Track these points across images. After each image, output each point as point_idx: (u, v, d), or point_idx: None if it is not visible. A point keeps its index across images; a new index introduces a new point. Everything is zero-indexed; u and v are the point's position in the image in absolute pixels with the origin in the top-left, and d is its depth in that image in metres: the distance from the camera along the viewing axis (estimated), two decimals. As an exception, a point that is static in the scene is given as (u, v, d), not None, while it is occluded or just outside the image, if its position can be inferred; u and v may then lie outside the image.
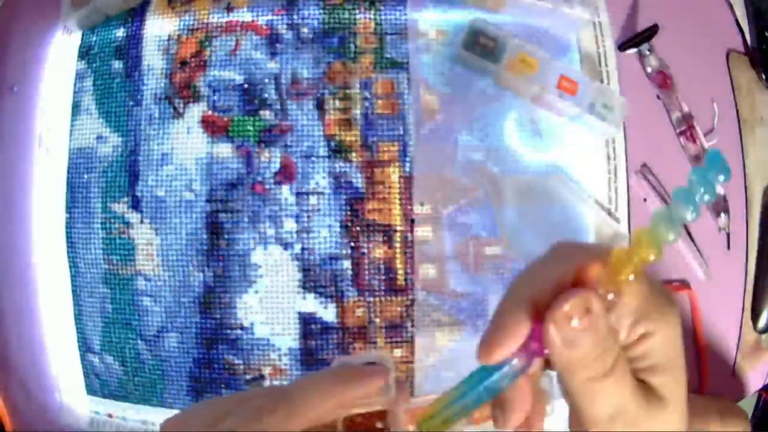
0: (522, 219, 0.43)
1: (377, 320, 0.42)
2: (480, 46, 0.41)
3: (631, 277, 0.19)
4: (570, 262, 0.20)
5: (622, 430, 0.22)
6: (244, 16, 0.44)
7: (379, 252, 0.42)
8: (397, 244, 0.42)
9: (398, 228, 0.42)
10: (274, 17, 0.44)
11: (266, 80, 0.43)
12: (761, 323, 0.45)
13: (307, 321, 0.42)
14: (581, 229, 0.43)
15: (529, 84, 0.41)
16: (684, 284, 0.44)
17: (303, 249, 0.42)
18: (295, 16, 0.44)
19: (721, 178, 0.19)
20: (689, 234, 0.44)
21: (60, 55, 0.46)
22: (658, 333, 0.21)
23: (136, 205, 0.43)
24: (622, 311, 0.21)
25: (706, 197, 0.19)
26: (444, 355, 0.42)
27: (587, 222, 0.43)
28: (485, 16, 0.44)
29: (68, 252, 0.44)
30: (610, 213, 0.44)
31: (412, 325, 0.42)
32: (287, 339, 0.42)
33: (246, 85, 0.43)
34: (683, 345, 0.21)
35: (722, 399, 0.38)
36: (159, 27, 0.44)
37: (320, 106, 0.43)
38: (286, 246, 0.42)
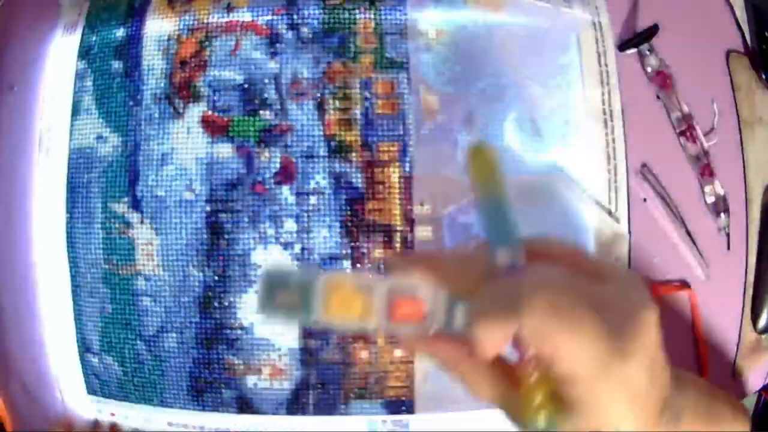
0: (522, 219, 0.42)
1: (377, 320, 0.42)
2: (282, 305, 0.25)
3: None
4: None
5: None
6: (244, 16, 0.44)
7: (379, 252, 0.42)
8: (397, 244, 0.42)
9: (398, 228, 0.42)
10: (274, 17, 0.44)
11: (266, 80, 0.43)
12: (761, 323, 0.45)
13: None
14: (581, 229, 0.43)
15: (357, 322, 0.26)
16: (684, 284, 0.44)
17: (303, 249, 0.42)
18: (295, 16, 0.44)
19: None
20: (689, 234, 0.44)
21: (60, 55, 0.46)
22: (556, 350, 0.23)
23: (136, 205, 0.43)
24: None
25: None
26: (444, 355, 0.42)
27: (587, 222, 0.43)
28: (484, 16, 0.44)
29: (68, 252, 0.44)
30: (610, 213, 0.44)
31: (412, 325, 0.42)
32: (287, 339, 0.42)
33: (246, 85, 0.43)
34: (606, 362, 0.23)
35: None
36: (159, 27, 0.44)
37: (320, 106, 0.43)
38: (286, 246, 0.42)
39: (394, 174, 0.42)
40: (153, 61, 0.44)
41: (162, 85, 0.44)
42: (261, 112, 0.43)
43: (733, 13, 0.47)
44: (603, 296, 0.25)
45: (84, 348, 0.44)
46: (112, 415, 0.44)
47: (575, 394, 0.24)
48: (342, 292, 0.26)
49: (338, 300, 0.26)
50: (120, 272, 0.43)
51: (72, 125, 0.45)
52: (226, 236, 0.42)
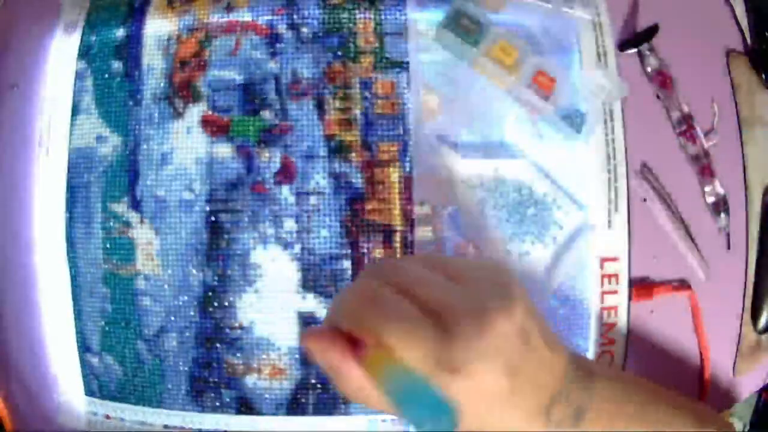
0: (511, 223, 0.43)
1: (377, 320, 0.42)
2: (461, 28, 0.41)
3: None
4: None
5: None
6: (244, 16, 0.44)
7: (379, 252, 0.42)
8: (397, 244, 0.42)
9: (398, 228, 0.42)
10: (274, 17, 0.44)
11: (266, 80, 0.43)
12: (761, 323, 0.45)
13: (306, 321, 0.42)
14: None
15: (505, 73, 0.41)
16: (684, 284, 0.44)
17: (303, 249, 0.42)
18: (295, 16, 0.44)
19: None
20: (689, 234, 0.44)
21: (60, 55, 0.46)
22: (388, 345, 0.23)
23: (136, 205, 0.43)
24: None
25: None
26: (444, 355, 0.42)
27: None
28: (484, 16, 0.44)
29: (68, 252, 0.44)
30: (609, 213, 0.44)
31: (412, 325, 0.42)
32: (287, 339, 0.42)
33: (246, 85, 0.43)
34: None
35: (703, 407, 0.38)
36: (159, 27, 0.44)
37: (320, 106, 0.43)
38: (286, 246, 0.42)
39: (394, 174, 0.42)
40: (153, 61, 0.44)
41: (162, 85, 0.44)
42: (261, 112, 0.43)
43: (733, 13, 0.47)
44: (451, 298, 0.24)
45: (84, 348, 0.44)
46: (107, 417, 0.44)
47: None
48: (508, 45, 0.39)
49: (502, 46, 0.40)
50: (120, 272, 0.43)
51: (72, 125, 0.45)
52: (226, 236, 0.42)
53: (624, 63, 0.45)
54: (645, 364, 0.44)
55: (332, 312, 0.26)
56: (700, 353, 0.44)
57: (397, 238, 0.42)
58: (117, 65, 0.45)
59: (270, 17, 0.44)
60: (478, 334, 0.23)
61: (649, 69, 0.45)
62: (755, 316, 0.45)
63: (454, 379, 0.23)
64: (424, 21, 0.44)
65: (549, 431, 0.26)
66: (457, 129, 0.43)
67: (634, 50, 0.45)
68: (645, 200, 0.44)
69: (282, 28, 0.44)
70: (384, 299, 0.24)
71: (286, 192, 0.42)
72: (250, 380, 0.42)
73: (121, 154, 0.44)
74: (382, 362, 0.22)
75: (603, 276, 0.43)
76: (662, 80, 0.44)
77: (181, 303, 0.42)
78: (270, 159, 0.42)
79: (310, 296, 0.42)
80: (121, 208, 0.43)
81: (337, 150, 0.42)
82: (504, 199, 0.42)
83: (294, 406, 0.42)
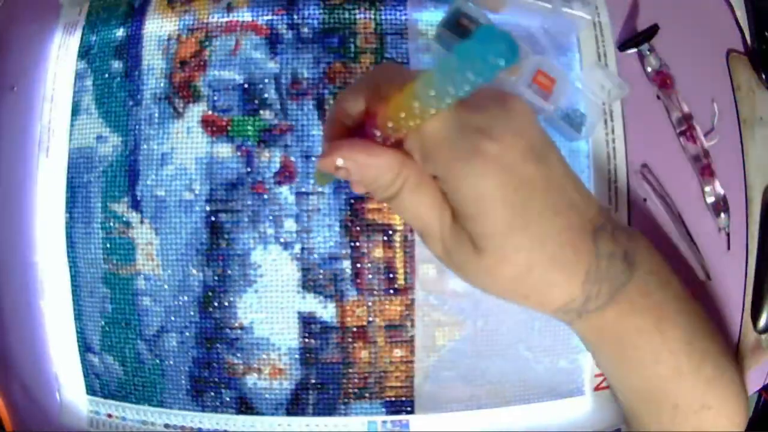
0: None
1: (377, 320, 0.42)
2: (461, 28, 0.41)
3: (412, 123, 0.20)
4: (371, 91, 0.22)
5: (445, 260, 0.24)
6: (244, 16, 0.44)
7: (379, 252, 0.42)
8: (397, 244, 0.42)
9: (398, 228, 0.42)
10: (274, 17, 0.44)
11: (266, 80, 0.43)
12: (761, 323, 0.45)
13: (306, 321, 0.42)
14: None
15: (504, 73, 0.40)
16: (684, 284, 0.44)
17: (303, 249, 0.42)
18: (295, 16, 0.44)
19: (501, 62, 0.16)
20: (689, 234, 0.44)
21: (60, 55, 0.46)
22: (449, 181, 0.21)
23: (136, 205, 0.43)
24: (411, 146, 0.22)
25: (466, 87, 0.17)
26: (444, 355, 0.42)
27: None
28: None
29: (68, 252, 0.44)
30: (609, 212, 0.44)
31: (412, 325, 0.42)
32: (287, 339, 0.42)
33: (246, 85, 0.43)
34: (509, 200, 0.21)
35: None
36: (159, 27, 0.44)
37: (320, 106, 0.43)
38: (286, 246, 0.42)
39: (394, 174, 0.42)
40: (153, 61, 0.44)
41: (162, 85, 0.44)
42: (261, 112, 0.43)
43: (733, 13, 0.47)
44: None
45: (84, 348, 0.44)
46: (109, 416, 0.44)
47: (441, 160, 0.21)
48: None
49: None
50: (120, 272, 0.43)
51: (72, 125, 0.45)
52: (226, 236, 0.42)
53: (624, 63, 0.45)
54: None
55: (337, 106, 0.23)
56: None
57: (397, 238, 0.42)
58: (117, 65, 0.45)
59: (270, 17, 0.44)
60: (501, 110, 0.21)
61: (649, 69, 0.45)
62: (755, 316, 0.45)
63: (482, 139, 0.20)
64: (424, 21, 0.44)
65: (599, 268, 0.23)
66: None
67: (634, 50, 0.45)
68: (645, 200, 0.44)
69: (282, 28, 0.44)
70: (396, 67, 0.22)
71: (286, 192, 0.42)
72: (250, 380, 0.42)
73: (121, 154, 0.44)
74: (408, 92, 0.19)
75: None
76: (662, 80, 0.44)
77: (181, 303, 0.42)
78: (270, 159, 0.42)
79: (310, 296, 0.42)
80: (121, 208, 0.43)
81: (337, 150, 0.42)
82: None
83: (294, 406, 0.42)
